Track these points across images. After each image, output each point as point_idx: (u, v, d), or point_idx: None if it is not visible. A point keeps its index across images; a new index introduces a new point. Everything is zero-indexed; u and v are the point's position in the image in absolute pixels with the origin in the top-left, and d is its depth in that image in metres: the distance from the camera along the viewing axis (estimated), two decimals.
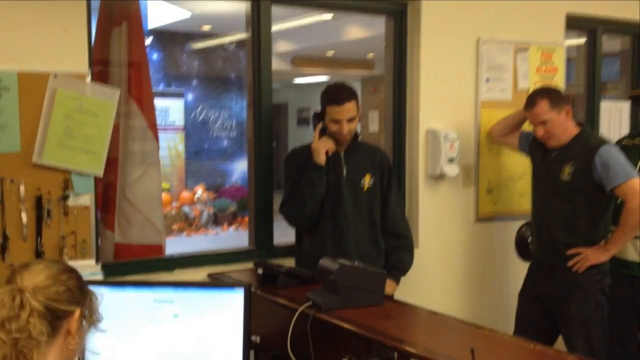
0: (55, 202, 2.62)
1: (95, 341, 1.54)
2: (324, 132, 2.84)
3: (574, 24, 3.88)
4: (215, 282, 2.72)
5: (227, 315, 2.01)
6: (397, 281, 2.91)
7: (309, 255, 2.83)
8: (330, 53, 11.74)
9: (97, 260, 2.72)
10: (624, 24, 4.08)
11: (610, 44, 4.22)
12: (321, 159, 2.79)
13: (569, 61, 3.88)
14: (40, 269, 1.40)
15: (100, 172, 2.71)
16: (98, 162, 2.69)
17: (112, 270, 2.76)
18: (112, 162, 2.93)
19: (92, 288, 2.07)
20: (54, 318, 1.36)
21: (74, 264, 2.59)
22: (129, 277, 2.78)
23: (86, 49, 2.69)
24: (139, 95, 3.05)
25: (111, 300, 2.02)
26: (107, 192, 2.98)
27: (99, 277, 2.58)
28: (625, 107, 4.18)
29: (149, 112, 3.09)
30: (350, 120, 2.79)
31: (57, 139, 2.59)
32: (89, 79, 2.68)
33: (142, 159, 3.04)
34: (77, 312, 1.41)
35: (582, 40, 4.11)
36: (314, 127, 2.87)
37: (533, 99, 3.01)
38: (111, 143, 2.78)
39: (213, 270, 2.97)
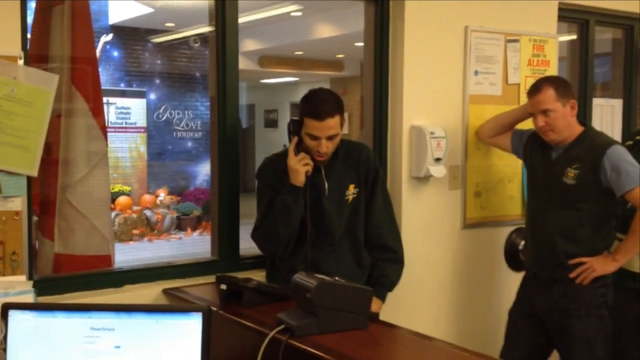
0: None
1: None
2: (299, 146, 2.44)
3: (566, 15, 3.62)
4: (166, 307, 2.27)
5: (181, 346, 1.64)
6: (382, 298, 2.55)
7: (281, 271, 2.47)
8: (298, 53, 11.46)
9: (30, 276, 2.32)
10: (616, 15, 3.85)
11: (601, 44, 3.97)
12: (300, 180, 2.39)
13: (559, 60, 3.61)
14: None
15: (33, 172, 2.30)
16: (31, 159, 2.28)
17: (47, 287, 2.35)
18: (51, 162, 2.57)
19: (14, 312, 1.72)
20: None
21: (0, 280, 2.21)
22: (67, 296, 2.38)
23: (18, 26, 2.29)
24: (83, 86, 2.66)
25: (38, 328, 1.67)
26: (45, 194, 2.58)
27: (31, 296, 2.16)
28: (617, 104, 3.93)
29: (97, 108, 2.71)
30: (331, 138, 2.38)
31: None
32: (21, 62, 2.28)
33: (87, 159, 2.65)
34: None
35: (573, 37, 3.86)
36: (289, 138, 2.46)
37: (539, 85, 2.71)
38: (52, 141, 2.41)
39: (169, 286, 2.60)
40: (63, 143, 2.64)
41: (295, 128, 2.44)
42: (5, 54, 2.25)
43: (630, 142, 3.03)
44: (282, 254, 2.47)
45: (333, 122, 2.36)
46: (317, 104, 2.36)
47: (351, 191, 2.52)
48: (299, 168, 2.39)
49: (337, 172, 2.51)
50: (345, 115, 2.48)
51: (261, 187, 2.55)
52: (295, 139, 2.44)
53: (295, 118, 2.47)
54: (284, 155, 2.48)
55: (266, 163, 2.58)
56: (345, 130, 2.50)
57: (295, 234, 2.45)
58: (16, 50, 2.28)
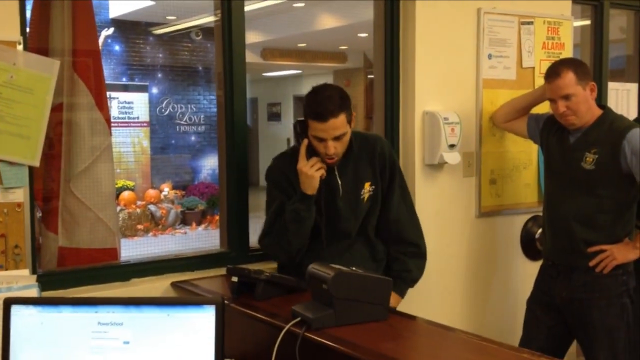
0: None
1: None
2: (310, 150, 2.30)
3: None
4: (178, 299, 2.19)
5: (193, 341, 1.55)
6: (402, 294, 2.44)
7: (295, 269, 2.36)
8: (301, 45, 11.36)
9: (33, 270, 2.23)
10: None
11: (613, 30, 3.87)
12: (313, 187, 2.25)
13: (573, 47, 3.50)
14: None
15: (35, 162, 2.21)
16: (32, 148, 2.19)
17: (52, 282, 2.27)
18: (54, 156, 2.51)
19: (17, 307, 1.63)
20: None
21: (3, 275, 2.13)
22: (73, 290, 2.30)
23: (17, 10, 2.20)
24: (87, 79, 2.59)
25: (43, 324, 1.59)
26: (48, 188, 2.50)
27: (34, 290, 2.08)
28: (633, 88, 3.83)
29: (101, 101, 2.64)
30: (338, 138, 2.23)
31: None
32: (21, 47, 2.19)
33: (91, 152, 2.58)
34: None
35: (586, 22, 3.76)
36: (296, 140, 2.33)
37: (557, 69, 2.60)
38: (54, 134, 2.33)
39: (178, 279, 2.51)
40: (66, 136, 2.56)
41: (302, 129, 2.30)
42: (4, 39, 2.16)
43: None
44: (293, 259, 2.36)
45: (338, 122, 2.20)
46: (318, 105, 2.21)
47: (367, 189, 2.39)
48: (313, 174, 2.24)
49: (352, 171, 2.37)
50: (354, 113, 2.32)
51: (270, 190, 2.41)
52: (305, 142, 2.29)
53: (301, 119, 2.33)
54: (293, 155, 2.34)
55: (275, 164, 2.43)
56: (354, 125, 2.36)
57: (307, 242, 2.33)
58: (15, 35, 2.18)
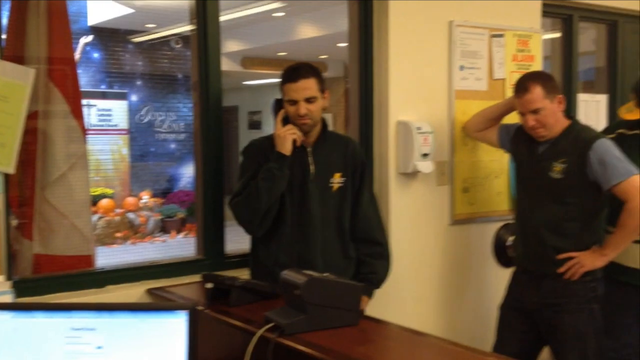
0: None
1: None
2: (287, 121, 2.44)
3: (550, 10, 3.61)
4: (151, 305, 2.22)
5: (166, 346, 1.58)
6: (370, 295, 2.52)
7: (266, 266, 2.42)
8: (281, 54, 11.41)
9: (8, 276, 2.23)
10: (599, 10, 3.85)
11: (583, 42, 3.98)
12: (287, 147, 2.38)
13: (544, 60, 3.59)
14: None
15: (10, 169, 2.22)
16: (7, 156, 2.20)
17: (27, 289, 2.28)
18: (29, 163, 2.52)
19: None
20: None
21: None
22: (48, 297, 2.31)
23: None
24: (63, 87, 2.60)
25: (16, 329, 1.60)
26: (23, 195, 2.51)
27: (9, 297, 2.10)
28: (602, 99, 3.92)
29: (77, 110, 2.65)
30: (310, 100, 2.39)
31: None
32: None
33: (67, 159, 2.59)
34: None
35: (557, 35, 3.85)
36: (274, 115, 2.46)
37: (526, 84, 2.67)
38: (29, 141, 2.36)
39: (153, 285, 2.53)
40: (41, 143, 2.57)
41: (279, 105, 2.46)
42: None
43: (612, 135, 3.00)
44: (258, 226, 2.41)
45: (308, 83, 2.39)
46: (291, 70, 2.42)
47: (337, 179, 2.50)
48: (287, 135, 2.38)
49: (325, 157, 2.50)
50: (328, 92, 2.49)
51: (245, 162, 2.52)
52: (282, 112, 2.44)
53: (278, 97, 2.49)
54: (271, 137, 2.47)
55: (253, 142, 2.57)
56: (327, 104, 2.47)
57: (275, 208, 2.40)
58: None
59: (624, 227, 2.59)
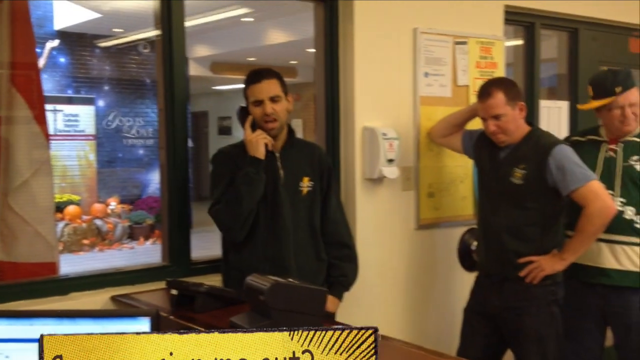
0: None
1: None
2: (255, 128, 2.46)
3: (512, 17, 3.69)
4: (112, 312, 2.22)
5: None
6: (340, 297, 2.57)
7: (239, 271, 2.42)
8: (251, 59, 11.40)
9: None
10: (561, 18, 3.93)
11: (547, 49, 4.07)
12: (260, 151, 2.41)
13: (507, 67, 3.66)
14: None
15: None
16: None
17: None
18: None
19: None
20: None
21: None
22: (11, 304, 2.29)
23: None
24: (27, 93, 2.58)
25: None
26: None
27: None
28: (564, 106, 4.01)
29: (41, 115, 2.63)
30: (274, 99, 2.44)
31: None
32: None
33: (30, 166, 2.56)
34: None
35: (519, 42, 3.93)
36: (241, 122, 2.48)
37: (489, 89, 2.73)
38: None
39: (118, 292, 2.52)
40: (4, 149, 2.55)
41: (244, 112, 2.49)
42: None
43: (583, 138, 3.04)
44: (239, 231, 2.42)
45: (272, 83, 2.44)
46: (253, 72, 2.49)
47: (305, 183, 2.54)
48: (259, 139, 2.41)
49: (293, 162, 2.53)
50: (293, 96, 2.57)
51: (217, 171, 2.53)
52: (250, 118, 2.46)
53: (243, 105, 2.52)
54: (239, 145, 2.50)
55: (221, 150, 2.59)
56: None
57: (254, 211, 2.42)
58: None
59: (582, 232, 2.65)
